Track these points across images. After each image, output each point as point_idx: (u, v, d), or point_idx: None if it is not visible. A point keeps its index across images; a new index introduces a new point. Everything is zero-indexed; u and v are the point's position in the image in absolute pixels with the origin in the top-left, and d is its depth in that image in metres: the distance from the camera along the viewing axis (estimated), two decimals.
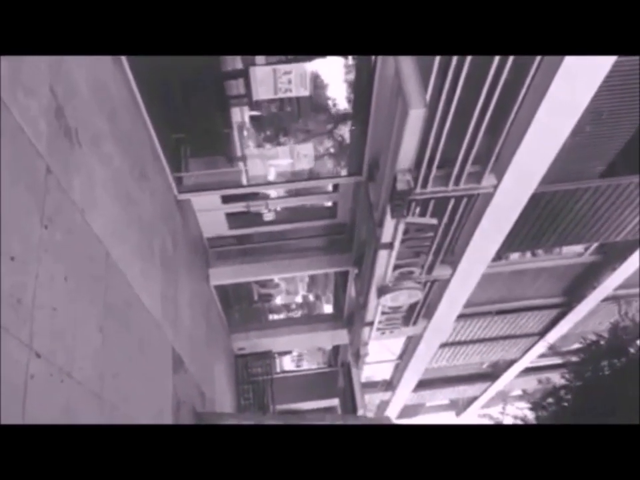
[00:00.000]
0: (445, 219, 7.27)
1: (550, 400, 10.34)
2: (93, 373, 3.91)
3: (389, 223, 6.73)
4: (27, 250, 3.10)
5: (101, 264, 4.31)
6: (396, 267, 7.70)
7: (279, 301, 15.94)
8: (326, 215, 9.59)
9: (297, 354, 26.01)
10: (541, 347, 14.37)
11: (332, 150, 7.83)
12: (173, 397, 6.20)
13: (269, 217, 8.91)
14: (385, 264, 7.60)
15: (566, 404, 9.87)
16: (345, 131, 7.59)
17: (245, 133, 7.18)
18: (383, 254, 7.43)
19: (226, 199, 8.38)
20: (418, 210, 6.98)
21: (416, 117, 5.03)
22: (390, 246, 7.17)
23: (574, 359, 14.18)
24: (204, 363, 8.72)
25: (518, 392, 18.77)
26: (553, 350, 12.13)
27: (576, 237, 9.04)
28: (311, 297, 18.05)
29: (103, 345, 4.13)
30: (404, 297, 8.48)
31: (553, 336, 13.14)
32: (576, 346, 14.87)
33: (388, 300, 8.48)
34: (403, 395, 16.58)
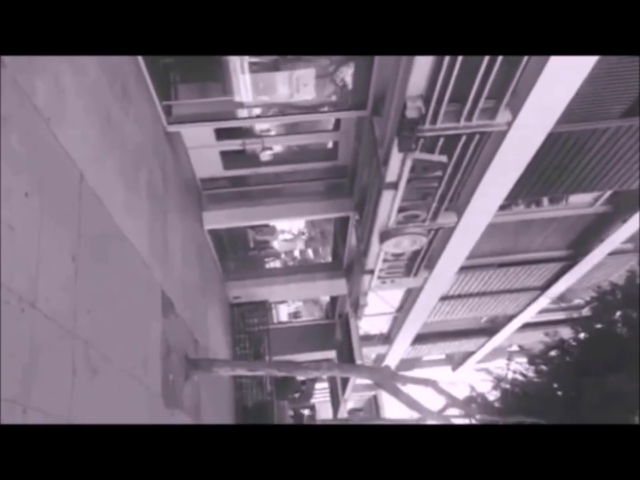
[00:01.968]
0: (454, 160, 6.76)
1: (554, 353, 10.09)
2: (64, 306, 3.48)
3: (395, 159, 6.23)
4: None
5: (73, 186, 3.83)
6: (400, 210, 7.23)
7: (275, 248, 15.48)
8: (326, 157, 9.06)
9: (293, 309, 25.85)
10: (542, 302, 14.09)
11: (335, 83, 7.25)
12: (162, 342, 5.82)
13: (265, 156, 8.38)
14: (388, 206, 7.13)
15: (568, 358, 9.63)
16: (349, 65, 7.00)
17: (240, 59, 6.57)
18: (387, 195, 6.95)
19: (220, 135, 7.84)
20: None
21: None
22: (395, 186, 6.69)
23: (578, 313, 13.98)
24: (197, 309, 8.35)
25: (515, 348, 18.66)
26: (562, 300, 11.76)
27: (590, 183, 8.56)
28: (309, 249, 17.69)
29: (76, 276, 3.68)
30: (407, 243, 8.04)
31: (555, 290, 12.80)
32: (577, 302, 14.69)
33: (390, 246, 8.05)
34: (400, 348, 16.38)
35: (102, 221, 4.31)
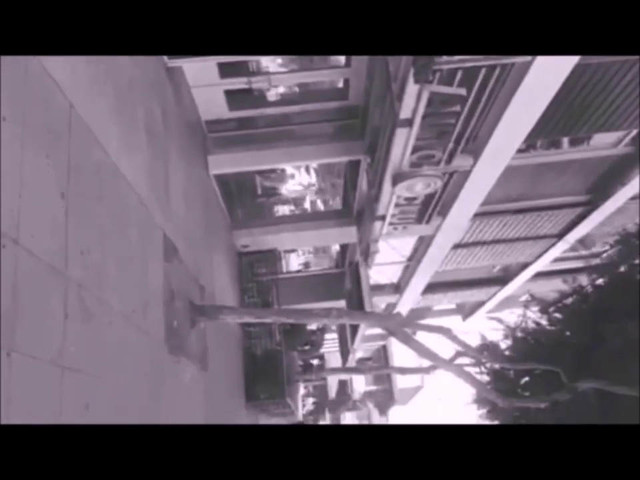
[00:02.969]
0: (473, 94, 6.31)
1: (570, 300, 9.84)
2: (53, 245, 3.20)
3: (410, 93, 5.81)
4: None
5: (62, 116, 3.50)
6: (414, 150, 6.84)
7: (284, 194, 15.11)
8: (336, 97, 8.61)
9: (303, 260, 25.73)
10: (557, 249, 13.73)
11: None
12: (164, 287, 5.59)
13: (272, 95, 7.94)
14: (402, 145, 6.73)
15: (584, 305, 9.38)
16: None
17: None
18: (401, 133, 6.54)
19: (224, 73, 7.40)
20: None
21: None
22: (409, 123, 6.28)
23: (592, 262, 13.66)
24: (203, 256, 8.10)
25: (527, 297, 18.42)
26: (581, 245, 11.35)
27: (615, 121, 8.07)
28: (319, 200, 17.35)
29: (66, 214, 3.39)
30: (420, 186, 7.68)
31: (573, 237, 12.41)
32: (594, 251, 14.33)
33: (403, 189, 7.69)
34: (411, 298, 16.17)
35: (95, 156, 3.99)
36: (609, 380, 7.00)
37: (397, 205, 8.43)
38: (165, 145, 6.21)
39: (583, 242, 11.25)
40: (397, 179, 7.41)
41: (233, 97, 8.16)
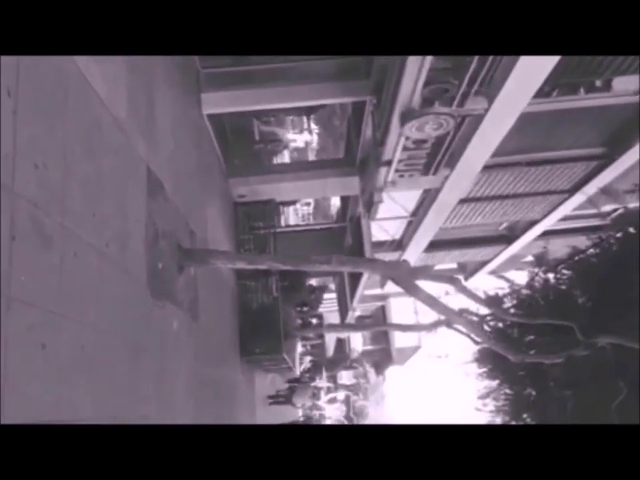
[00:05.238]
0: None
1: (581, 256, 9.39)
2: None
3: None
4: None
5: None
6: (427, 82, 6.20)
7: (284, 141, 14.39)
8: None
9: (302, 214, 25.22)
10: (568, 206, 13.17)
11: None
12: (147, 225, 5.03)
13: None
14: (414, 76, 6.09)
15: (600, 260, 8.95)
16: None
17: None
18: (412, 63, 5.90)
19: None
20: None
21: None
22: None
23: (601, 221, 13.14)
24: (194, 198, 7.53)
25: (530, 258, 17.98)
26: (606, 194, 10.79)
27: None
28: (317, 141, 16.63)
29: (14, 116, 2.81)
30: (431, 126, 7.06)
31: (587, 191, 11.82)
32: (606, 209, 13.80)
33: (412, 129, 7.08)
34: (413, 255, 15.66)
35: (54, 60, 3.36)
36: (622, 336, 6.65)
37: (404, 149, 7.83)
38: (147, 69, 5.57)
39: (607, 191, 10.64)
40: (406, 117, 6.80)
41: None
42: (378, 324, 26.69)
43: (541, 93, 8.48)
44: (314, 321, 18.89)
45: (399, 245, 15.67)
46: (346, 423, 28.00)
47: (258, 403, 13.03)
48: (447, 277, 6.25)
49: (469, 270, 20.97)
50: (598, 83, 9.15)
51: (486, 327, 11.43)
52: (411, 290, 6.02)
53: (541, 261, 10.23)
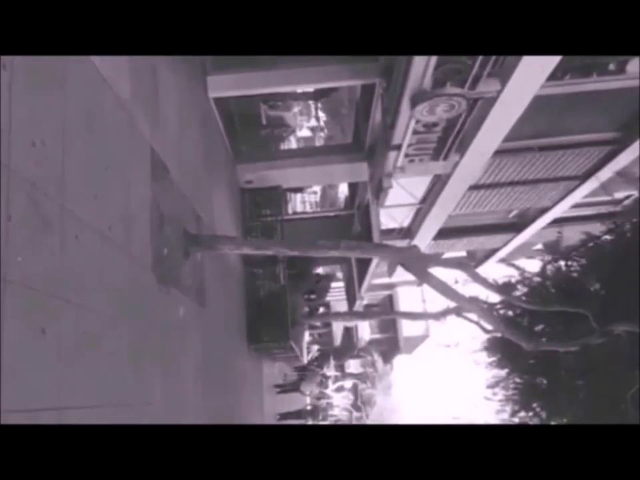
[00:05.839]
0: None
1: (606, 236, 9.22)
2: None
3: None
4: None
5: None
6: (439, 63, 6.02)
7: (291, 126, 14.20)
8: None
9: (309, 202, 25.06)
10: (580, 192, 12.94)
11: None
12: (152, 209, 4.91)
13: None
14: (425, 57, 5.91)
15: (606, 246, 8.78)
16: None
17: None
18: None
19: None
20: None
21: None
22: None
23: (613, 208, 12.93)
24: (200, 183, 7.40)
25: (540, 246, 17.79)
26: (623, 175, 10.57)
27: None
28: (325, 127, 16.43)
29: (10, 89, 2.68)
30: (442, 109, 6.88)
31: (601, 177, 11.60)
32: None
33: (423, 112, 6.90)
34: (422, 243, 15.49)
35: None
36: (637, 323, 6.50)
37: (414, 132, 7.64)
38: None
39: (623, 174, 10.42)
40: (417, 98, 6.62)
41: None
42: (386, 312, 26.58)
43: (554, 76, 8.28)
44: (321, 309, 18.82)
45: (408, 232, 15.51)
46: (353, 411, 28.00)
47: (266, 391, 12.98)
48: (457, 262, 6.09)
49: (479, 258, 20.77)
50: (611, 66, 8.94)
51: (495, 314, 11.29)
52: (422, 276, 5.88)
53: (552, 248, 10.02)
